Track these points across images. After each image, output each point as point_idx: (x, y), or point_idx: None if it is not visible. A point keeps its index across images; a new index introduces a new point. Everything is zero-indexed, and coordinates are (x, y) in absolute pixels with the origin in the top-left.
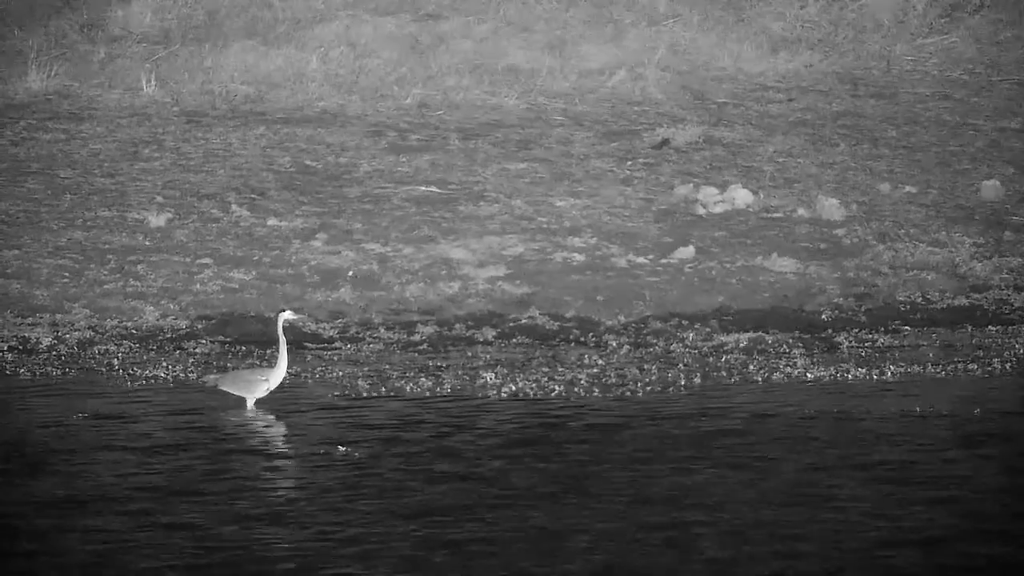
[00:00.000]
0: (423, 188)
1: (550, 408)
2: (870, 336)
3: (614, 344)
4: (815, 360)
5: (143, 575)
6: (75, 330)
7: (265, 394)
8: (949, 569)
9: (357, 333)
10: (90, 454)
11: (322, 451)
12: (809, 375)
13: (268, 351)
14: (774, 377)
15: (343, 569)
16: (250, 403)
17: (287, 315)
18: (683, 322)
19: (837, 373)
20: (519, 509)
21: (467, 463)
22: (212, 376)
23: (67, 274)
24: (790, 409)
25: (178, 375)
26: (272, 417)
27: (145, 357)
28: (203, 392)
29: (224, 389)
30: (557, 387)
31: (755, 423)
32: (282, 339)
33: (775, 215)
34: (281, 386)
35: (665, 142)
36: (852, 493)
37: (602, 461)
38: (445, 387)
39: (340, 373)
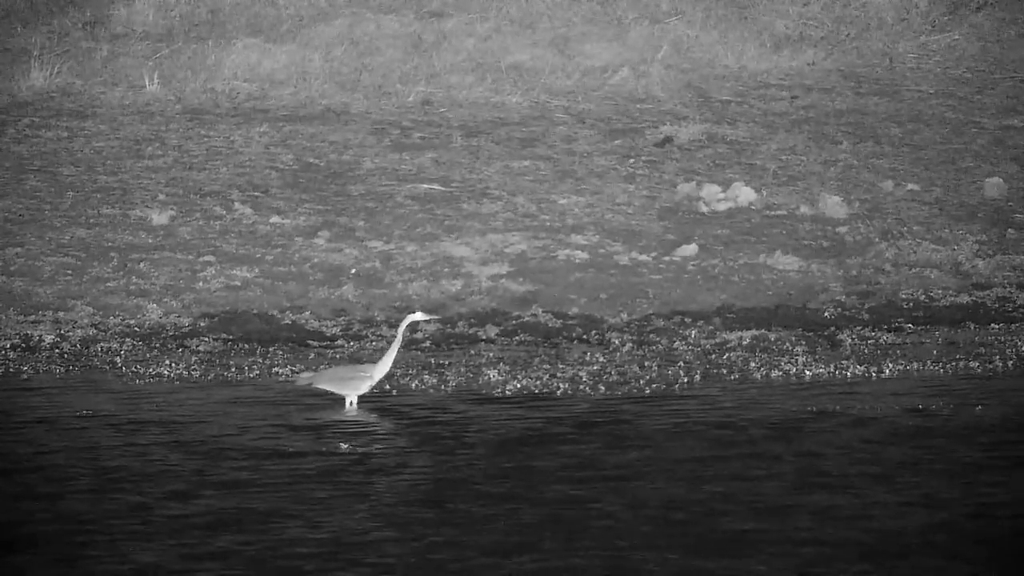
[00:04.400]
0: (426, 186)
1: (552, 405)
2: (873, 334)
3: (617, 342)
4: (817, 358)
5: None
6: (78, 328)
7: (367, 391)
8: (949, 570)
9: (360, 331)
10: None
11: (323, 449)
12: (808, 372)
13: (271, 349)
14: (773, 375)
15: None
16: (353, 401)
17: (417, 316)
18: (686, 320)
19: (837, 371)
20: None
21: (466, 461)
22: (305, 375)
23: (70, 272)
24: (787, 406)
25: (181, 373)
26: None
27: (148, 355)
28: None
29: (322, 388)
30: (560, 384)
31: (752, 421)
32: (399, 340)
33: (778, 213)
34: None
35: (668, 140)
36: (850, 493)
37: (597, 460)
38: (448, 385)
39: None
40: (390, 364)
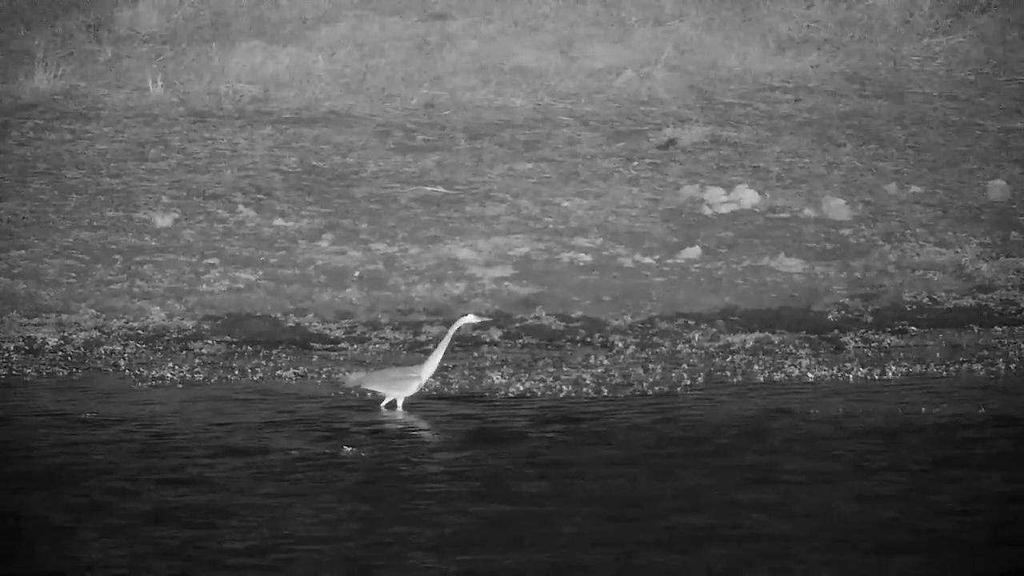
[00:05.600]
0: (430, 188)
1: (554, 407)
2: (876, 336)
3: (620, 344)
4: (820, 360)
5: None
6: (81, 330)
7: (416, 392)
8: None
9: (363, 333)
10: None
11: (327, 451)
12: (811, 375)
13: (274, 351)
14: (776, 377)
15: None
16: (400, 403)
17: (470, 319)
18: (689, 322)
19: (840, 373)
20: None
21: (466, 463)
22: (354, 375)
23: (73, 274)
24: (789, 409)
25: (184, 376)
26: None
27: (151, 357)
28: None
29: (371, 389)
30: (564, 387)
31: (751, 422)
32: (447, 341)
33: (782, 215)
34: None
35: (672, 142)
36: (848, 494)
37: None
38: (452, 387)
39: (346, 373)
40: (437, 365)
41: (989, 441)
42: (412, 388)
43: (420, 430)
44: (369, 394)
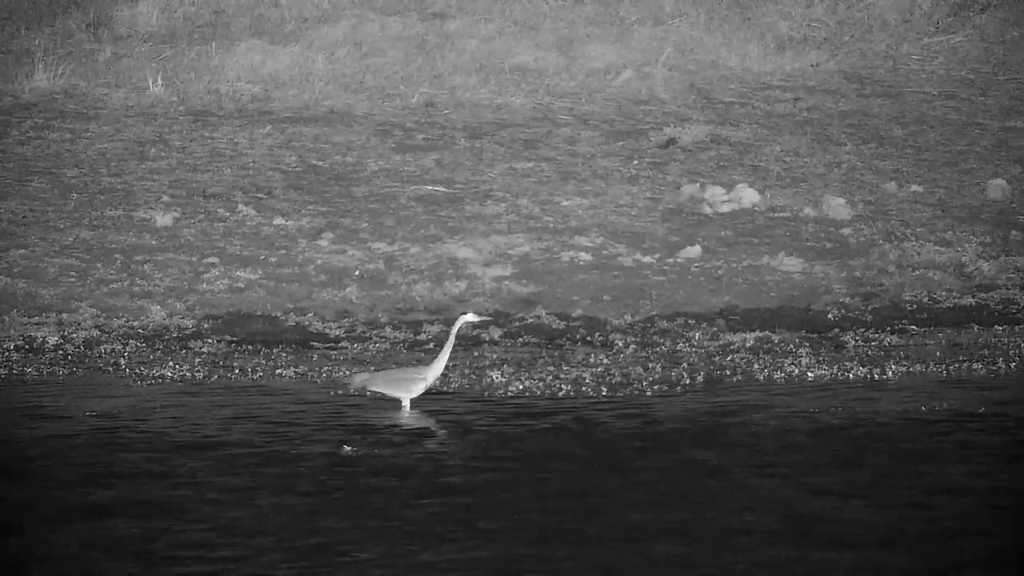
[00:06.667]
0: (429, 187)
1: (554, 406)
2: (876, 335)
3: (620, 343)
4: (820, 359)
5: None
6: (81, 329)
7: (422, 393)
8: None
9: (363, 332)
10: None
11: (326, 451)
12: (811, 374)
13: (274, 350)
14: (776, 376)
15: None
16: (406, 404)
17: (469, 317)
18: (689, 321)
19: (839, 372)
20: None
21: (467, 464)
22: (360, 377)
23: (73, 273)
24: (788, 408)
25: (184, 375)
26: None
27: (151, 356)
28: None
29: (376, 391)
30: (563, 386)
31: (749, 422)
32: (452, 341)
33: (782, 214)
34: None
35: (671, 141)
36: (847, 495)
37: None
38: (451, 386)
39: (346, 372)
40: (443, 366)
41: (988, 438)
42: (418, 389)
43: (420, 429)
44: (368, 394)
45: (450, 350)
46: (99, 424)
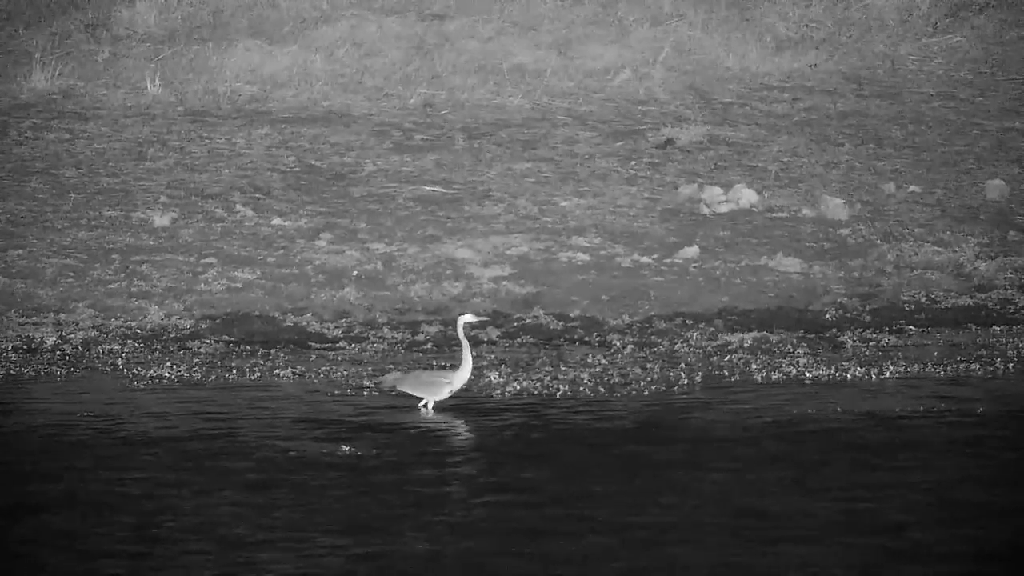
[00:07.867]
0: (428, 188)
1: (553, 407)
2: (874, 336)
3: (619, 344)
4: (817, 359)
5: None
6: (79, 330)
7: (447, 396)
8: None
9: (361, 333)
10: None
11: (324, 450)
12: (808, 374)
13: (272, 351)
14: (773, 376)
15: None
16: (431, 405)
17: (467, 318)
18: (688, 322)
19: (837, 373)
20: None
21: (466, 464)
22: (391, 377)
23: (72, 274)
24: (787, 408)
25: (182, 375)
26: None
27: (150, 357)
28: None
29: (404, 391)
30: (561, 386)
31: (748, 421)
32: (465, 342)
33: (780, 215)
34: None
35: (670, 142)
36: (846, 495)
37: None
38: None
39: (344, 373)
40: (468, 370)
41: (988, 438)
42: (444, 392)
43: (419, 429)
44: (394, 393)
45: (470, 353)
46: (87, 422)
